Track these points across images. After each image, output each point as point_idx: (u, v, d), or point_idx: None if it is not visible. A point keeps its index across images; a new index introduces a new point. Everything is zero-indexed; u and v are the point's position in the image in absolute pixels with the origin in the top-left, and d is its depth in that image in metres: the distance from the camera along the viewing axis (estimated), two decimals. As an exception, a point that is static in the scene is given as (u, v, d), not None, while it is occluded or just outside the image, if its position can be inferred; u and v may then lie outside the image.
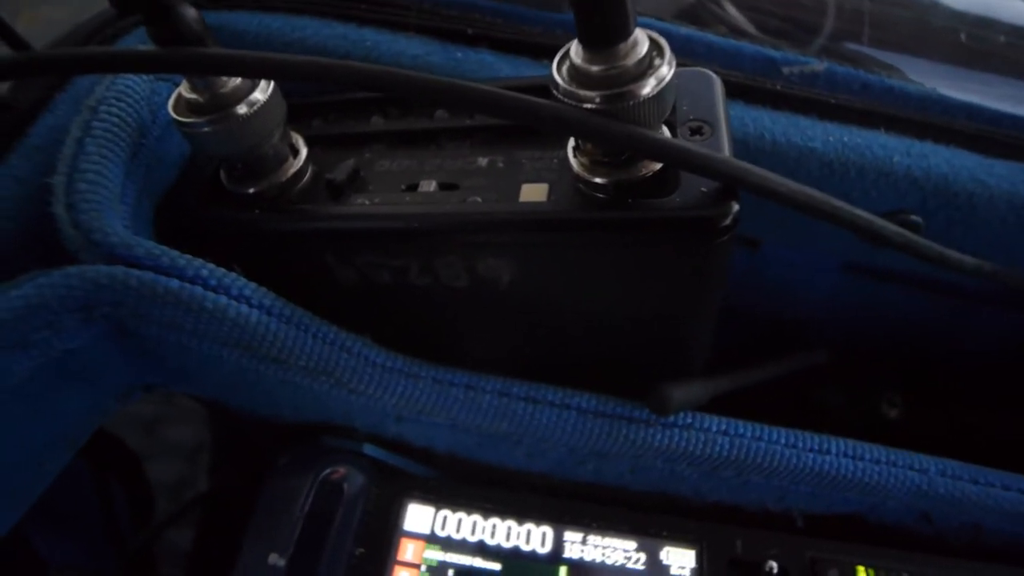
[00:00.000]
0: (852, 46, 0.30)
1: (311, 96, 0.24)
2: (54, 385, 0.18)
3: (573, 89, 0.16)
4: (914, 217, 0.26)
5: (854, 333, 0.36)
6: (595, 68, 0.16)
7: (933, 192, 0.24)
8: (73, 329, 0.17)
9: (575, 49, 0.17)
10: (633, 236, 0.18)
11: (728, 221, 0.17)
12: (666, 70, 0.16)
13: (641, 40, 0.16)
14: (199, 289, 0.18)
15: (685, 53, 0.26)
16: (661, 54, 0.17)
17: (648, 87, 0.16)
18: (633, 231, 0.18)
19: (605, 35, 0.16)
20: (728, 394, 0.25)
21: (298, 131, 0.23)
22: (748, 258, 0.34)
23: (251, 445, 0.40)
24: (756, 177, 0.17)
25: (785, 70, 0.26)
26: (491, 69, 0.24)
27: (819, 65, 0.26)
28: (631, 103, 0.16)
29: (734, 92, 0.25)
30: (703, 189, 0.18)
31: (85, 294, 0.17)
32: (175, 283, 0.18)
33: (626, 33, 0.16)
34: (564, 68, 0.17)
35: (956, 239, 0.26)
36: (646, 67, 0.16)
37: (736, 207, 0.17)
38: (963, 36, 0.33)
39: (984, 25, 0.32)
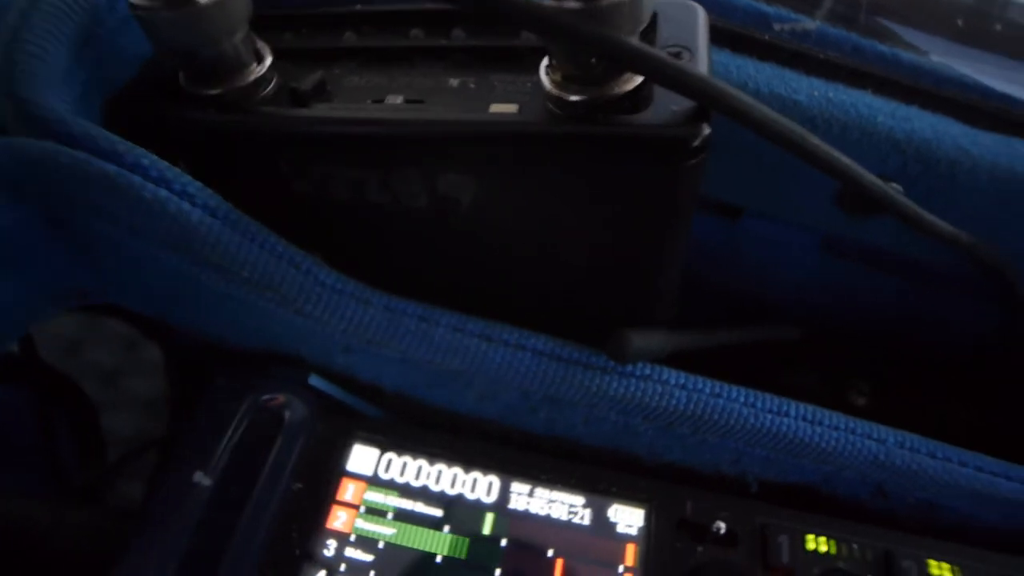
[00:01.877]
0: (864, 15, 0.29)
1: (283, 8, 0.23)
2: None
3: (547, -13, 0.16)
4: (894, 184, 0.25)
5: (827, 317, 0.36)
6: (570, -35, 0.15)
7: (915, 156, 0.24)
8: (2, 205, 0.16)
9: None
10: (602, 152, 0.17)
11: (698, 142, 0.17)
12: (644, -26, 0.15)
13: None
14: (137, 178, 0.17)
15: (674, 0, 0.25)
16: None
17: (625, -11, 0.15)
18: (601, 146, 0.17)
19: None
20: (691, 352, 0.25)
21: (268, 42, 0.22)
22: (727, 230, 0.33)
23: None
24: (731, 98, 0.16)
25: (776, 26, 0.26)
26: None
27: (811, 24, 0.26)
28: (606, 4, 0.15)
29: (722, 40, 0.24)
30: (674, 108, 0.17)
31: (15, 167, 0.16)
32: (111, 167, 0.17)
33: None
34: None
35: (936, 209, 0.25)
36: (621, -31, 0.15)
37: (707, 130, 0.17)
38: (959, 21, 0.32)
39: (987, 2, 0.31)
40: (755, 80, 0.23)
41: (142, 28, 0.19)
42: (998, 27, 0.30)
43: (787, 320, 0.35)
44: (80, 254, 0.19)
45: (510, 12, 0.15)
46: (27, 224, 0.17)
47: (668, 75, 0.16)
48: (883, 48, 0.26)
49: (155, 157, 0.18)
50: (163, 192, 0.18)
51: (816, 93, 0.23)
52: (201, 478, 0.19)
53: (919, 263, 0.31)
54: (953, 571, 0.23)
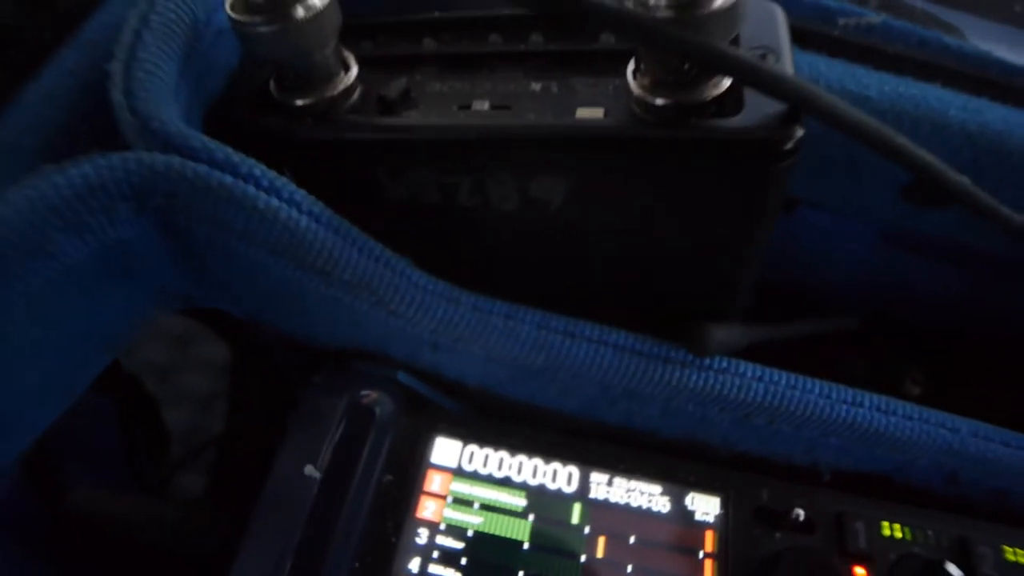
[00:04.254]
0: (916, 3, 0.29)
1: (363, 17, 0.24)
2: (102, 276, 0.18)
3: (644, -3, 0.16)
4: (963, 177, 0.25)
5: (882, 308, 0.36)
6: (668, -26, 0.16)
7: (986, 149, 0.24)
8: (126, 218, 0.17)
9: None
10: (693, 156, 0.18)
11: (791, 144, 0.17)
12: (739, -19, 0.16)
13: None
14: (252, 188, 0.18)
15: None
16: None
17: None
18: (693, 150, 0.18)
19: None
20: (763, 345, 0.25)
21: (351, 50, 0.22)
22: (782, 221, 0.33)
23: (272, 388, 0.41)
24: (824, 101, 0.17)
25: (841, 20, 0.26)
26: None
27: (876, 17, 0.26)
28: (702, 12, 0.16)
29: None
30: (767, 111, 0.17)
31: (141, 179, 0.17)
32: (228, 178, 0.18)
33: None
34: None
35: (1006, 200, 0.25)
36: (718, -24, 0.16)
37: (801, 131, 0.17)
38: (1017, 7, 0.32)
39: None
40: (826, 77, 0.23)
41: (240, 41, 0.20)
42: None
43: (843, 310, 0.35)
44: (191, 261, 0.20)
45: (611, 22, 0.16)
46: (147, 234, 0.18)
47: (764, 80, 0.16)
48: (948, 40, 0.26)
49: (265, 167, 0.19)
50: (275, 201, 0.18)
51: (887, 88, 0.24)
52: (312, 471, 0.20)
53: (980, 253, 0.31)
54: (1030, 556, 0.24)
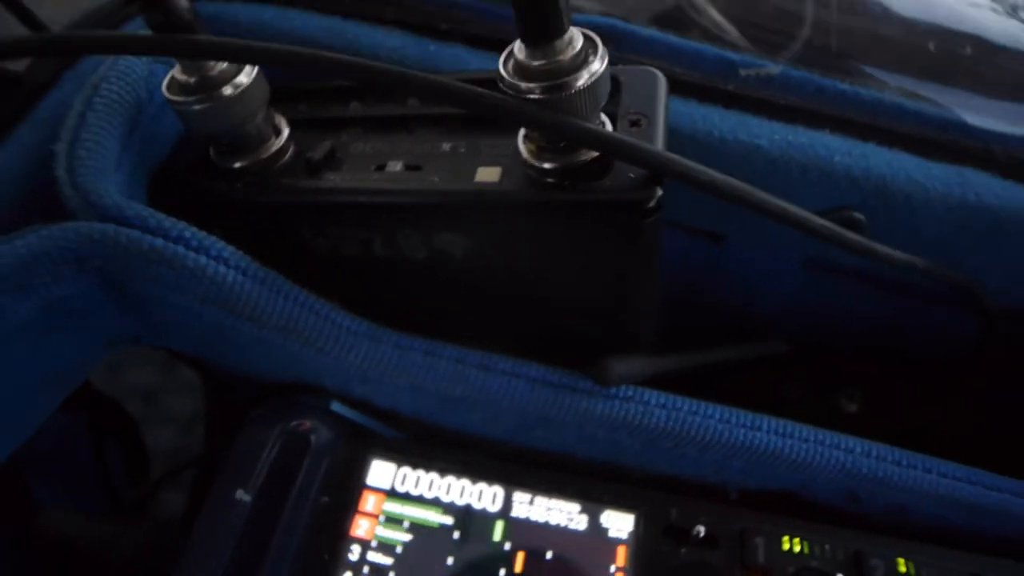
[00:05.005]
0: (834, 57, 0.32)
1: (298, 82, 0.26)
2: (50, 328, 0.21)
3: (515, 81, 0.18)
4: (856, 214, 0.27)
5: (815, 329, 0.38)
6: (535, 63, 0.18)
7: (872, 192, 0.26)
8: (68, 278, 0.20)
9: (518, 46, 0.19)
10: (571, 215, 0.20)
11: (652, 203, 0.19)
12: (598, 65, 0.18)
13: (576, 37, 0.18)
14: (181, 248, 0.21)
15: (648, 53, 0.28)
16: (595, 50, 0.18)
17: (582, 79, 0.18)
18: (571, 211, 0.20)
19: (542, 33, 0.18)
20: (676, 374, 0.27)
21: (284, 113, 0.25)
22: (714, 252, 0.35)
23: (239, 411, 0.43)
24: (678, 165, 0.19)
25: (742, 72, 0.28)
26: (462, 62, 0.26)
27: (774, 68, 0.28)
28: (566, 94, 0.18)
29: (689, 91, 0.27)
30: (631, 175, 0.20)
31: (80, 246, 0.19)
32: (159, 242, 0.20)
33: (560, 31, 0.18)
34: (510, 63, 0.19)
35: (898, 238, 0.27)
36: (581, 62, 0.18)
37: (659, 192, 0.19)
38: (931, 46, 0.34)
39: (947, 36, 0.33)
40: (720, 129, 0.26)
41: (178, 118, 0.22)
42: (964, 63, 0.32)
43: (775, 334, 0.37)
44: (133, 310, 0.23)
45: (478, 104, 0.18)
46: (89, 290, 0.21)
47: (616, 150, 0.18)
48: (844, 87, 0.28)
49: (195, 229, 0.21)
50: (203, 259, 0.21)
51: (777, 137, 0.26)
52: (242, 495, 0.23)
53: (896, 278, 0.33)
54: (919, 569, 0.25)
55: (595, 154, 0.20)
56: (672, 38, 0.28)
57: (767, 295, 0.37)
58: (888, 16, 0.35)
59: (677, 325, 0.30)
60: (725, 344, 0.33)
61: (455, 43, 0.27)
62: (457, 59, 0.27)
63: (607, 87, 0.19)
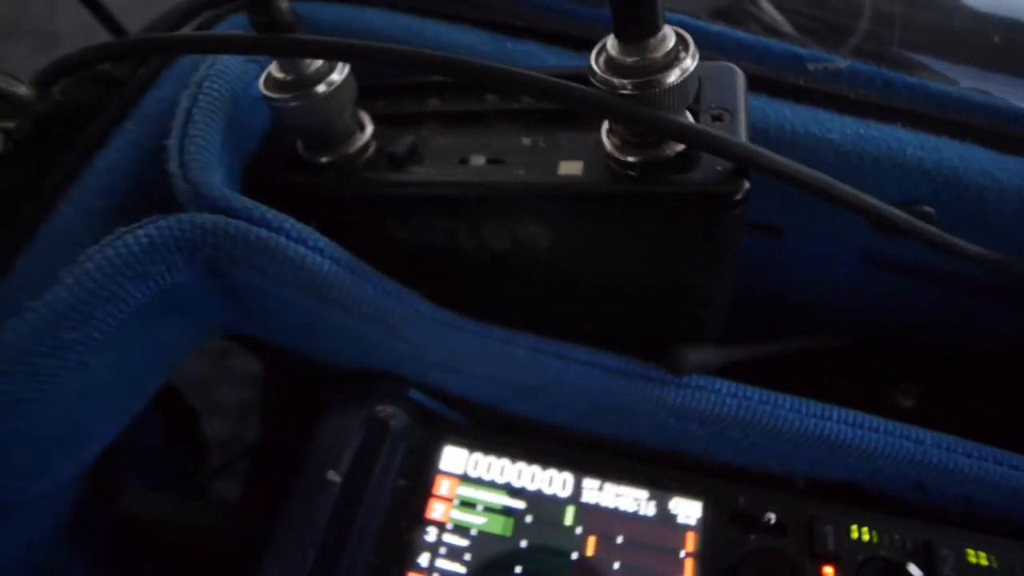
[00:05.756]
0: (895, 49, 0.32)
1: (378, 79, 0.27)
2: (162, 313, 0.22)
3: (608, 77, 0.19)
4: (927, 208, 0.27)
5: (871, 324, 0.38)
6: (628, 59, 0.19)
7: (944, 184, 0.26)
8: (181, 266, 0.21)
9: (611, 43, 0.19)
10: (656, 208, 0.21)
11: (739, 196, 0.20)
12: (689, 62, 0.19)
13: (669, 35, 0.19)
14: (283, 239, 0.22)
15: (716, 48, 0.28)
16: (686, 48, 0.19)
17: (673, 76, 0.19)
18: (656, 203, 0.21)
19: (638, 31, 0.18)
20: (741, 363, 0.28)
21: (366, 109, 0.26)
22: (771, 247, 0.36)
23: (301, 402, 0.44)
24: (765, 158, 0.19)
25: (810, 66, 0.28)
26: (536, 58, 0.27)
27: (842, 63, 0.28)
28: (657, 90, 0.19)
29: (759, 86, 0.27)
30: (718, 168, 0.20)
31: (193, 236, 0.20)
32: (264, 232, 0.21)
33: (655, 29, 0.18)
34: (601, 59, 0.19)
35: (968, 232, 0.27)
36: (672, 59, 0.19)
37: (747, 185, 0.20)
38: (996, 39, 0.34)
39: (1014, 28, 0.33)
40: (792, 123, 0.26)
41: (272, 112, 0.24)
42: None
43: (831, 328, 0.37)
44: (231, 298, 0.24)
45: (576, 100, 0.19)
46: (197, 278, 0.22)
47: (711, 145, 0.19)
48: (912, 80, 0.28)
49: (294, 220, 0.22)
50: (301, 249, 0.22)
51: (848, 131, 0.26)
52: (333, 476, 0.24)
53: (957, 274, 0.33)
54: (989, 559, 0.25)
55: (679, 148, 0.21)
56: (740, 33, 0.28)
57: (823, 290, 0.37)
58: (952, 7, 0.35)
59: (731, 318, 0.31)
60: (780, 338, 0.33)
61: (528, 40, 0.28)
62: (530, 55, 0.27)
63: (696, 84, 0.20)
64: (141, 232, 0.20)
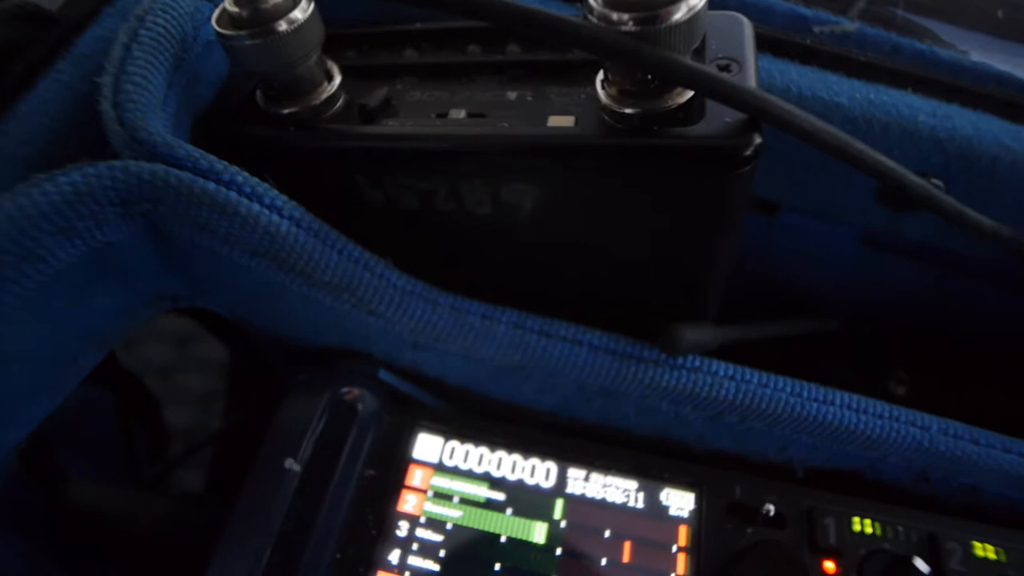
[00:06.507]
0: (896, 11, 0.30)
1: (347, 27, 0.25)
2: (91, 278, 0.19)
3: (606, 11, 0.17)
4: (935, 180, 0.26)
5: (866, 308, 0.36)
6: (630, -10, 0.17)
7: (956, 154, 0.24)
8: (113, 222, 0.18)
9: None
10: (657, 162, 0.19)
11: (750, 151, 0.18)
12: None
13: None
14: (233, 194, 0.19)
15: (717, 6, 0.26)
16: None
17: (680, 12, 0.16)
18: (657, 157, 0.18)
19: (641, -42, 0.16)
20: (737, 344, 0.26)
21: (335, 60, 0.23)
22: (765, 226, 0.34)
23: (267, 388, 0.42)
24: (779, 109, 0.17)
25: (816, 28, 0.26)
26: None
27: (850, 25, 0.26)
28: (662, 26, 0.16)
29: (763, 45, 0.25)
30: (727, 120, 0.18)
31: (127, 187, 0.18)
32: (211, 185, 0.19)
33: (661, -45, 0.16)
34: None
35: (977, 204, 0.26)
36: (679, -7, 0.17)
37: (759, 139, 0.18)
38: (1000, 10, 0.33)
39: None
40: (798, 85, 0.24)
41: (227, 53, 0.21)
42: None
43: (825, 311, 0.36)
44: (177, 263, 0.21)
45: (571, 35, 0.17)
46: (134, 238, 0.19)
47: (720, 91, 0.17)
48: (922, 46, 0.27)
49: (247, 174, 0.20)
50: (255, 206, 0.19)
51: (858, 95, 0.24)
52: (292, 464, 0.21)
53: (958, 255, 0.31)
54: (997, 552, 0.24)
55: (682, 100, 0.19)
56: (744, -9, 0.26)
57: (818, 272, 0.35)
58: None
59: (723, 301, 0.29)
60: (779, 320, 0.31)
61: None
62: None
63: (703, 26, 0.17)
64: (63, 180, 0.17)
